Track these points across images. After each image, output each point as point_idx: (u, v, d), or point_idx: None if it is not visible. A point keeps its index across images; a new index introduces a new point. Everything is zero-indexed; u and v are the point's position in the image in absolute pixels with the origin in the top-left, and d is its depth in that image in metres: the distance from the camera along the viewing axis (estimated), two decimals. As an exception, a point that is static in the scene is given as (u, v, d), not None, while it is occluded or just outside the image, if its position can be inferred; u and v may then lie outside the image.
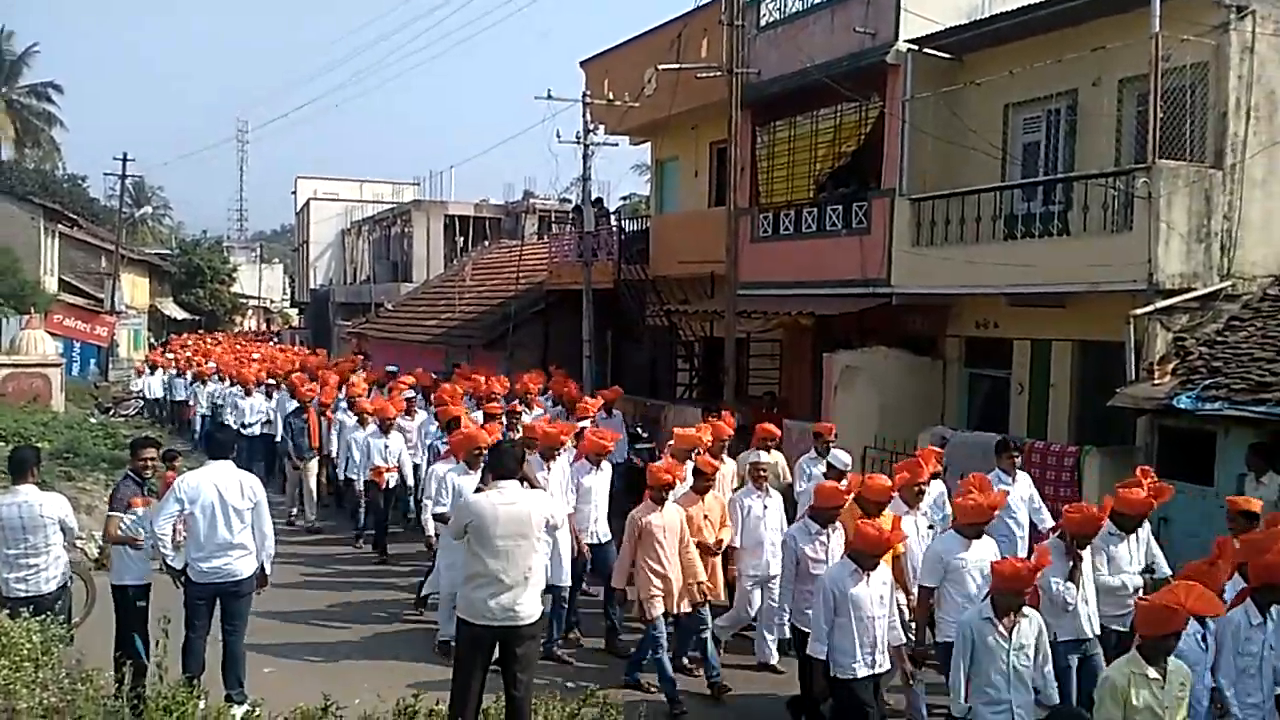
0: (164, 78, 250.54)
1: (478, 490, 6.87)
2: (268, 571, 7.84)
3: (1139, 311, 10.48)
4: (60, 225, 38.06)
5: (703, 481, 8.68)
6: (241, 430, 17.31)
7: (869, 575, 6.45)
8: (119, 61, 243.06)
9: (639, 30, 19.56)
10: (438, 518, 9.13)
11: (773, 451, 10.19)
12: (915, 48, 13.37)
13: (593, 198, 21.88)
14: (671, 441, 10.15)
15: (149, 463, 7.85)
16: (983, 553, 6.83)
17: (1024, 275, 11.56)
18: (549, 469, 9.21)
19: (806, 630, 7.03)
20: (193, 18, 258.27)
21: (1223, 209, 10.80)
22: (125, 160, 40.18)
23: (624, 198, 44.26)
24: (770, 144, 16.20)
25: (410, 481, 13.22)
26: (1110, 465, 10.59)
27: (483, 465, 8.05)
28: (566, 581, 9.15)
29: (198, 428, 21.47)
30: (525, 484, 6.70)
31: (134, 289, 46.53)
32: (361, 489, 13.04)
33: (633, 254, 20.62)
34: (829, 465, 9.68)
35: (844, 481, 8.67)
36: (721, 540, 8.66)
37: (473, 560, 6.28)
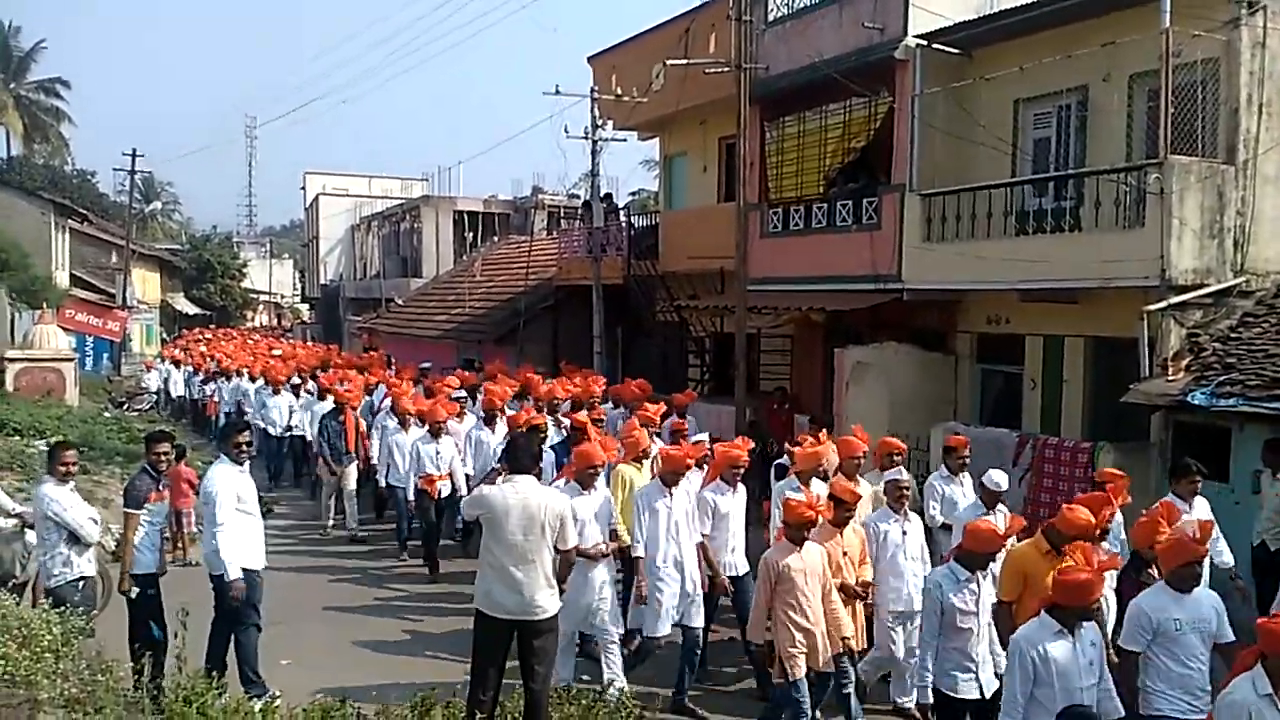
0: (172, 74, 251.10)
1: (489, 480, 6.87)
2: (224, 576, 7.37)
3: (1152, 307, 10.47)
4: (70, 221, 38.17)
5: (843, 512, 7.38)
6: (269, 433, 16.91)
7: (1077, 634, 5.29)
8: (126, 57, 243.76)
9: (647, 25, 19.62)
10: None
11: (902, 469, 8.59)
12: (924, 43, 13.36)
13: (602, 193, 21.91)
14: (781, 460, 8.71)
15: (163, 457, 7.91)
16: (1199, 609, 5.60)
17: (1035, 271, 11.56)
18: (671, 495, 7.95)
19: (953, 694, 6.24)
20: (200, 13, 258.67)
21: (1235, 205, 10.78)
22: (134, 156, 40.42)
23: (633, 193, 44.37)
24: (779, 139, 16.21)
25: (463, 490, 11.64)
26: (1124, 462, 10.58)
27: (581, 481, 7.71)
28: (699, 622, 7.98)
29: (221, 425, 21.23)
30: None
31: (145, 284, 46.74)
32: (412, 498, 12.04)
33: (642, 249, 20.65)
34: (982, 487, 8.03)
35: (998, 511, 7.71)
36: (867, 582, 7.47)
37: (488, 553, 6.34)
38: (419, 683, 6.58)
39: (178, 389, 26.62)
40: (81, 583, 7.43)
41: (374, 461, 13.56)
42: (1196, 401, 9.73)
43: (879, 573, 7.62)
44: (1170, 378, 10.33)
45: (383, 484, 12.87)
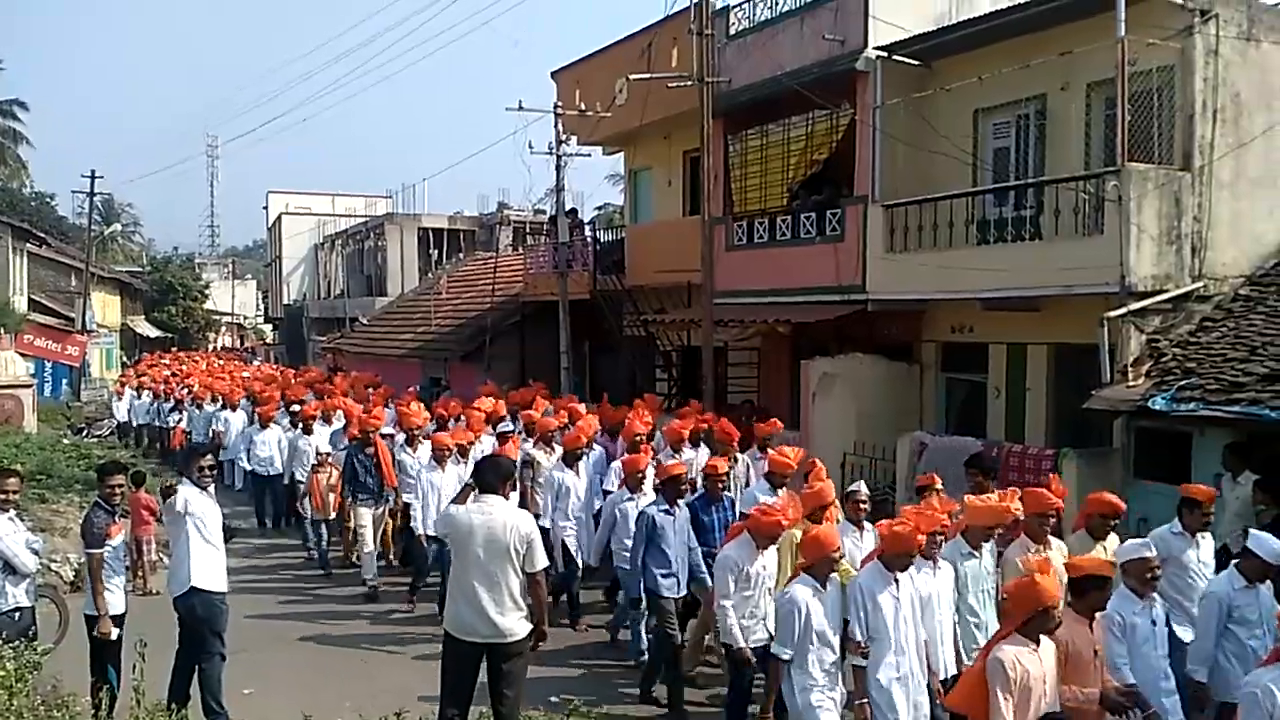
0: (132, 95, 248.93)
1: (460, 499, 6.69)
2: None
3: (1112, 314, 10.56)
4: (29, 244, 37.66)
5: (1097, 595, 5.31)
6: (258, 473, 15.64)
7: None
8: (86, 78, 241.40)
9: (610, 40, 19.63)
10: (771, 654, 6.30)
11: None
12: (884, 55, 13.46)
13: (567, 208, 21.86)
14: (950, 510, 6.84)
15: (117, 490, 7.72)
16: None
17: (998, 279, 11.63)
18: (898, 583, 6.06)
19: None
20: (160, 33, 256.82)
21: (1192, 211, 10.91)
22: (94, 177, 39.82)
23: (599, 208, 44.46)
24: (743, 152, 16.26)
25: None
26: (1088, 467, 10.65)
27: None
28: None
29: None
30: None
31: (105, 307, 46.07)
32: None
33: (609, 264, 20.62)
34: (1246, 555, 6.09)
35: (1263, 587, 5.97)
36: (1117, 687, 5.37)
37: (455, 576, 6.26)
38: (385, 709, 6.46)
39: (138, 417, 25.33)
40: (17, 613, 7.23)
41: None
42: (1157, 407, 9.81)
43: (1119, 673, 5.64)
44: (1131, 383, 10.41)
45: (419, 532, 10.92)
